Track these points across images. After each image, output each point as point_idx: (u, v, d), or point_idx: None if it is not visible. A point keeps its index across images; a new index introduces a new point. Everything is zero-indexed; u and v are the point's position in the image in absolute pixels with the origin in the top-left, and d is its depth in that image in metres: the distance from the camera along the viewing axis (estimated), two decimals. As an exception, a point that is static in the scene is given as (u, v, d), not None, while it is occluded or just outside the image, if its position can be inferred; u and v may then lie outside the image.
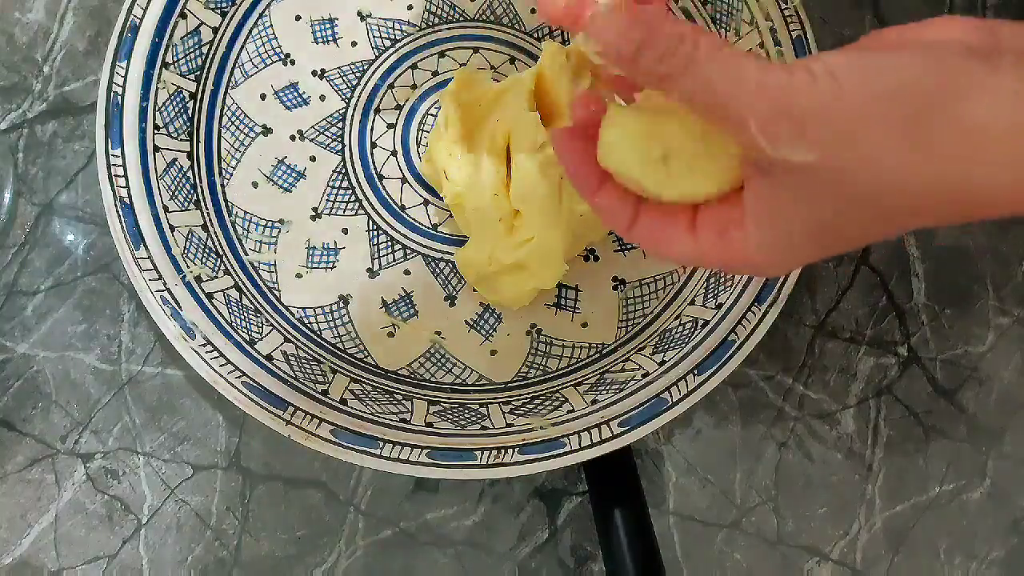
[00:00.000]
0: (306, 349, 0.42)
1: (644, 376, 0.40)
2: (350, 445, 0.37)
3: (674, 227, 0.28)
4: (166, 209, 0.41)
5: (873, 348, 0.46)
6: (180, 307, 0.39)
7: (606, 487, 0.40)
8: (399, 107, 0.47)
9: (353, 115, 0.47)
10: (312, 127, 0.46)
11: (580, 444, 0.37)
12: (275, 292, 0.43)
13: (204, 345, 0.39)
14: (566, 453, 0.37)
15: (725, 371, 0.39)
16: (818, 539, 0.44)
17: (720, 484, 0.44)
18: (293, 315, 0.43)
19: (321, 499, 0.43)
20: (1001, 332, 0.46)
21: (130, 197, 0.41)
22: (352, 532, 0.43)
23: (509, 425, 0.39)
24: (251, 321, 0.41)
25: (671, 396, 0.38)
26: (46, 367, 0.44)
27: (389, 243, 0.45)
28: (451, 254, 0.45)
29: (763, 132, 0.23)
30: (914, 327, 0.46)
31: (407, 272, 0.45)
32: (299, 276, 0.44)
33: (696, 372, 0.39)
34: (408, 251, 0.45)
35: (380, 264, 0.45)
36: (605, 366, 0.42)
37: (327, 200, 0.45)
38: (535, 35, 0.48)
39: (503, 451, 0.37)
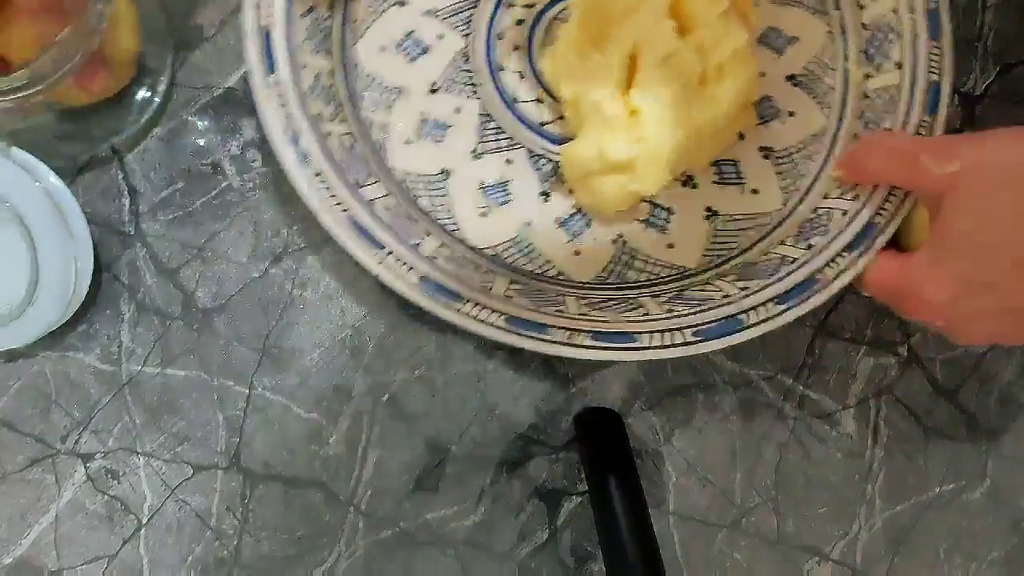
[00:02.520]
0: (403, 208, 0.43)
1: (724, 297, 0.40)
2: (435, 295, 0.38)
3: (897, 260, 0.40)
4: (299, 48, 0.43)
5: (873, 348, 0.46)
6: (299, 137, 0.41)
7: (606, 487, 0.40)
8: (531, 5, 0.47)
9: (486, 3, 0.47)
10: (446, 7, 0.47)
11: (651, 343, 0.37)
12: (382, 152, 0.44)
13: (317, 174, 0.40)
14: (637, 348, 0.37)
15: (806, 307, 0.39)
16: (818, 539, 0.44)
17: (720, 484, 0.44)
18: (396, 176, 0.44)
19: (321, 499, 0.43)
20: (1001, 332, 0.46)
21: (270, 28, 0.42)
22: (352, 532, 0.43)
23: (583, 314, 0.39)
24: (359, 169, 0.43)
25: (748, 318, 0.38)
26: (46, 367, 0.44)
27: (496, 131, 0.46)
28: (555, 152, 0.45)
29: (932, 157, 0.36)
30: (914, 327, 0.46)
31: (508, 161, 0.45)
32: (408, 143, 0.45)
33: (777, 301, 0.39)
34: (513, 142, 0.46)
35: (485, 148, 0.46)
36: (685, 286, 0.43)
37: (446, 79, 0.46)
38: None
39: (576, 333, 0.37)
